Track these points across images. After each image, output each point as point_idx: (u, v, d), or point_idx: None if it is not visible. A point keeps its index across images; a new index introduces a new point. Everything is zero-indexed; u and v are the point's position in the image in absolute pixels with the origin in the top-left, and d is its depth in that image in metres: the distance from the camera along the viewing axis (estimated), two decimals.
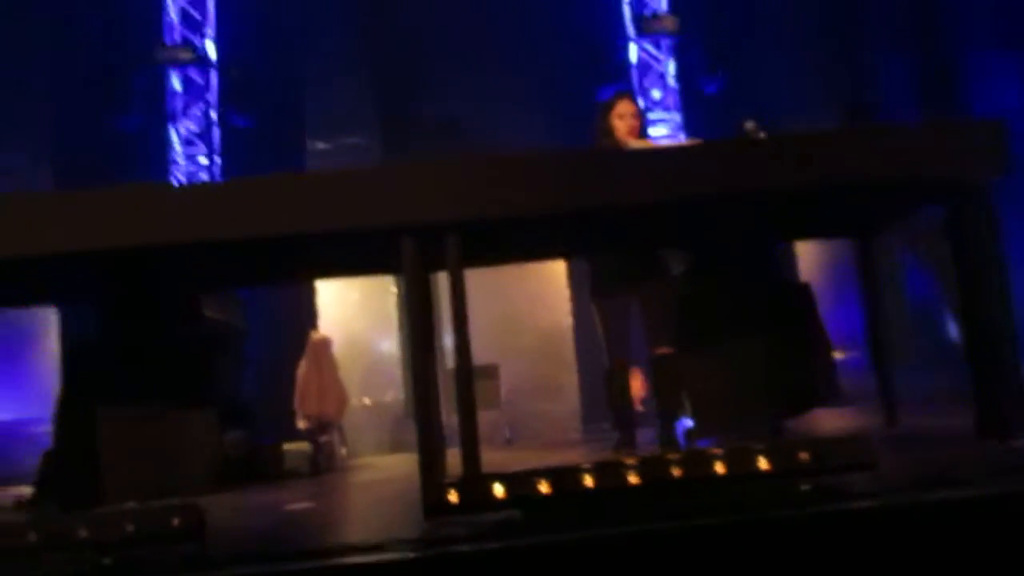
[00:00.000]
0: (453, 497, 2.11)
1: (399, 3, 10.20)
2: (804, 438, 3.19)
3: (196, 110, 9.88)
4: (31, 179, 8.87)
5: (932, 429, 3.73)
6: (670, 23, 9.81)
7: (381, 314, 9.80)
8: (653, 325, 4.19)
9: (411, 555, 1.93)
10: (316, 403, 7.36)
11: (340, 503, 3.84)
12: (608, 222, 3.16)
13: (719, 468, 2.09)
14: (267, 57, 9.81)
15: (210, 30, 9.93)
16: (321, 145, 10.27)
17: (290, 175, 4.05)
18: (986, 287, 2.95)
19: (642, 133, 4.35)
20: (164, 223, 2.79)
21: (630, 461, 2.12)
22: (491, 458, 2.96)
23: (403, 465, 5.59)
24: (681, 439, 4.10)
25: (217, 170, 9.79)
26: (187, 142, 9.84)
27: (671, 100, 9.96)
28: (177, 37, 9.82)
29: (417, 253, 2.78)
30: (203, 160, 9.79)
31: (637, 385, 5.51)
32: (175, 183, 9.41)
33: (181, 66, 9.81)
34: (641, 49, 10.06)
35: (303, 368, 7.48)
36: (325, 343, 7.69)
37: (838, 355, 4.14)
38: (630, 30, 10.05)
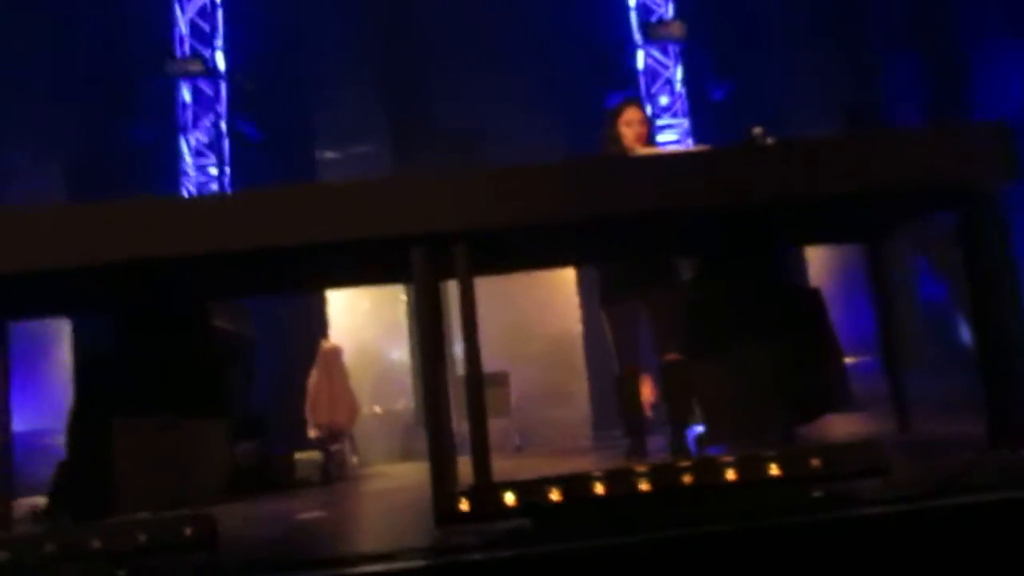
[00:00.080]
0: (464, 505, 2.11)
1: (407, 13, 10.25)
2: (815, 444, 3.19)
3: (206, 121, 9.94)
4: (47, 187, 8.93)
5: (944, 435, 3.71)
6: (677, 29, 9.82)
7: (391, 323, 9.82)
8: (662, 332, 4.19)
9: (423, 564, 1.93)
10: (327, 412, 7.38)
11: (352, 512, 3.85)
12: (616, 229, 3.16)
13: (730, 475, 2.08)
14: (276, 68, 9.87)
15: (219, 42, 10.00)
16: (331, 154, 10.31)
17: (300, 186, 4.07)
18: (998, 293, 2.94)
19: (650, 140, 4.36)
20: (175, 235, 2.81)
21: (641, 468, 2.12)
22: (502, 466, 2.96)
23: (414, 473, 5.60)
24: (692, 446, 4.10)
25: (227, 180, 9.85)
26: (197, 153, 9.90)
27: (679, 106, 9.96)
28: (187, 49, 9.89)
29: (427, 262, 2.79)
30: (213, 171, 9.85)
31: (647, 392, 5.50)
32: (186, 194, 9.47)
33: (191, 78, 9.87)
34: (648, 55, 10.08)
35: (314, 377, 7.51)
36: (336, 352, 7.72)
37: (849, 360, 4.12)
38: (637, 36, 10.06)
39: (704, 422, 3.96)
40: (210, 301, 4.23)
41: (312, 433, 7.37)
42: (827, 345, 3.80)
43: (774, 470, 2.08)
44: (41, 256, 2.79)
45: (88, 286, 3.27)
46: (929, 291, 8.43)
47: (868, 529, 1.89)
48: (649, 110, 9.46)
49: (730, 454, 2.17)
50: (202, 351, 3.97)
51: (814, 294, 3.95)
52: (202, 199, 4.83)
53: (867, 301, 4.08)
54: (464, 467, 2.97)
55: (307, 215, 2.82)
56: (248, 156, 9.88)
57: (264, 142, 9.95)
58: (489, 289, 3.39)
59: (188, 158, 9.84)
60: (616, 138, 4.24)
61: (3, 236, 2.81)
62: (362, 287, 7.90)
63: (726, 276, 3.81)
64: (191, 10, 9.96)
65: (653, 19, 10.00)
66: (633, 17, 10.07)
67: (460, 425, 3.71)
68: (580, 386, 9.54)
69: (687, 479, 2.08)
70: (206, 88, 9.95)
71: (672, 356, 4.14)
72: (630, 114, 4.27)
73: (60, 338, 8.69)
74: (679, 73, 9.97)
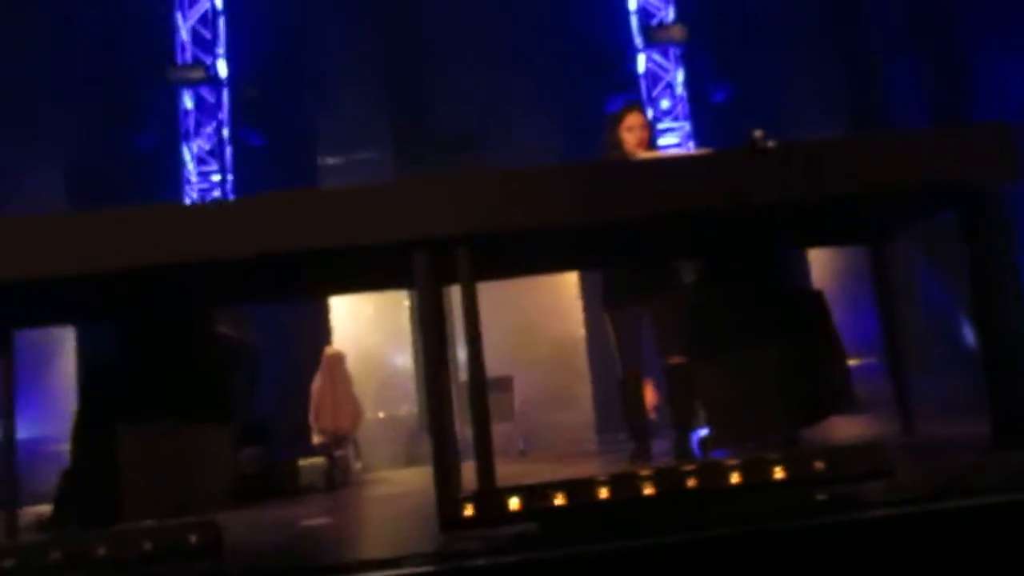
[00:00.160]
0: (469, 511, 2.11)
1: (409, 18, 10.27)
2: (820, 447, 3.18)
3: (208, 128, 9.96)
4: (50, 195, 8.95)
5: (948, 437, 3.70)
6: (678, 32, 9.83)
7: (395, 328, 9.82)
8: (666, 335, 4.19)
9: (428, 569, 1.93)
10: (331, 418, 7.39)
11: (356, 518, 3.85)
12: (619, 233, 3.16)
13: (734, 478, 2.08)
14: (278, 74, 9.89)
15: (221, 49, 10.02)
16: (333, 160, 10.33)
17: (302, 192, 4.07)
18: (1001, 294, 2.94)
19: (651, 144, 4.36)
20: (178, 242, 2.81)
21: (645, 472, 2.12)
22: (506, 470, 2.96)
23: (418, 479, 5.60)
24: (696, 449, 4.09)
25: (230, 187, 9.87)
26: (199, 160, 9.92)
27: (680, 109, 9.97)
28: (188, 56, 9.92)
29: (430, 267, 2.80)
30: (216, 178, 9.87)
31: (650, 395, 5.50)
32: (188, 201, 9.48)
33: (193, 85, 9.90)
34: (649, 59, 10.09)
35: (317, 383, 7.52)
36: (339, 358, 7.73)
37: (853, 362, 4.12)
38: (638, 40, 10.07)
39: (708, 425, 3.96)
40: (213, 308, 4.24)
41: (316, 439, 7.37)
42: (830, 347, 3.80)
43: (778, 473, 2.08)
44: (45, 264, 2.80)
45: (92, 294, 3.28)
46: (932, 292, 8.42)
47: (872, 531, 1.89)
48: (650, 114, 9.47)
49: (734, 457, 2.17)
50: (206, 358, 3.98)
51: (817, 296, 3.94)
52: (204, 206, 4.84)
53: (870, 303, 4.08)
54: (468, 472, 2.97)
55: (310, 221, 2.83)
56: (250, 163, 9.90)
57: (266, 148, 9.97)
58: (492, 293, 3.40)
59: (190, 165, 9.86)
60: (617, 143, 4.24)
61: (7, 245, 2.82)
62: (365, 293, 7.90)
63: (729, 279, 3.81)
64: (192, 17, 9.98)
65: (654, 23, 10.01)
66: (634, 21, 10.09)
67: (464, 430, 3.71)
68: (584, 390, 9.54)
69: (691, 482, 2.08)
70: (208, 95, 9.97)
71: (675, 359, 4.14)
72: (631, 119, 4.27)
73: (64, 346, 8.70)
74: (680, 76, 9.98)
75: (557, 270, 6.73)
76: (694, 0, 9.82)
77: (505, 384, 8.05)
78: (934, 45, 8.94)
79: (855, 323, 5.10)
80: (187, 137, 9.88)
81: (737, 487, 2.08)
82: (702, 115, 9.87)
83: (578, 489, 2.10)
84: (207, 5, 9.98)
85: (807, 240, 4.69)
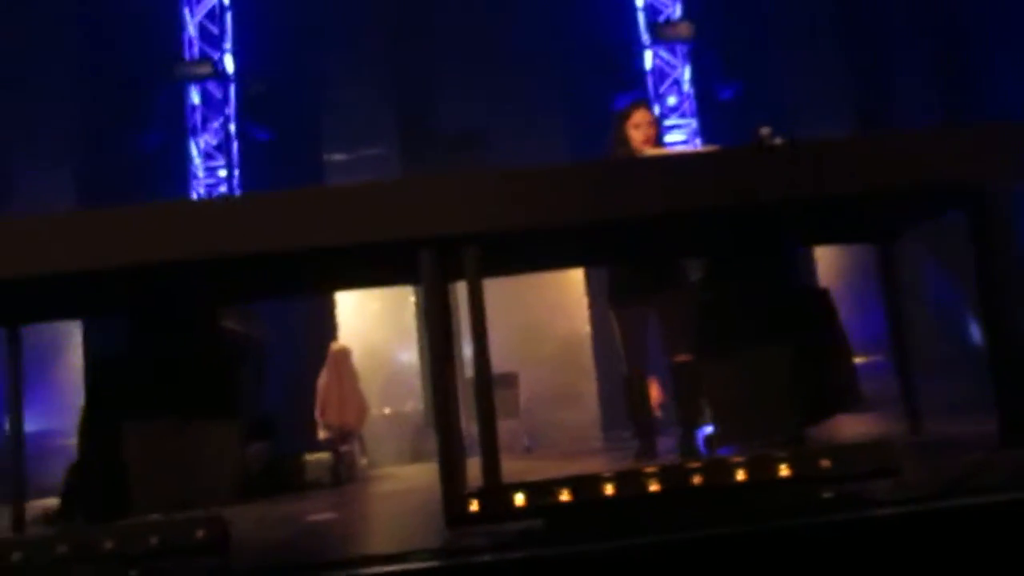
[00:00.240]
0: (474, 507, 2.12)
1: (415, 16, 10.26)
2: (826, 445, 3.18)
3: (215, 124, 9.98)
4: (56, 191, 8.97)
5: (956, 435, 3.70)
6: (685, 29, 9.81)
7: (401, 324, 9.83)
8: (672, 332, 4.19)
9: (433, 565, 1.93)
10: (336, 413, 7.41)
11: (362, 513, 3.86)
12: (625, 231, 3.16)
13: (740, 476, 2.08)
14: (284, 70, 9.90)
15: (228, 44, 10.03)
16: (339, 157, 10.34)
17: (308, 189, 4.08)
18: (1008, 293, 2.93)
19: (658, 140, 4.36)
20: (184, 239, 2.82)
21: (651, 469, 2.12)
22: (511, 467, 2.96)
23: (423, 475, 5.61)
24: (702, 447, 4.09)
25: (237, 182, 9.89)
26: (206, 155, 9.94)
27: (687, 106, 9.95)
28: (195, 52, 9.93)
29: (436, 264, 2.80)
30: (222, 173, 9.88)
31: (655, 393, 5.50)
32: (195, 196, 9.51)
33: (200, 80, 9.91)
34: (656, 56, 10.07)
35: (323, 379, 7.54)
36: (345, 354, 7.75)
37: (860, 360, 4.11)
38: (645, 37, 10.06)
39: (714, 423, 3.95)
40: (220, 304, 4.25)
41: (322, 434, 7.39)
42: (837, 345, 3.79)
43: (784, 471, 2.07)
44: (52, 261, 2.81)
45: (99, 290, 3.29)
46: (939, 291, 8.40)
47: (879, 530, 1.89)
48: (657, 111, 9.45)
49: (740, 455, 2.17)
50: (212, 353, 3.99)
51: (824, 294, 3.94)
52: (211, 202, 4.85)
53: (877, 301, 4.07)
54: (473, 468, 2.98)
55: (317, 218, 2.83)
56: (257, 158, 9.92)
57: (272, 144, 9.99)
58: (498, 290, 3.40)
59: (197, 160, 9.88)
60: (624, 140, 4.24)
61: (15, 241, 2.83)
62: (371, 289, 7.91)
63: (735, 277, 3.80)
64: (200, 13, 9.99)
65: (661, 19, 9.99)
66: (641, 18, 10.07)
67: (469, 426, 3.72)
68: (589, 387, 9.54)
69: (697, 480, 2.08)
70: (215, 91, 9.99)
71: (681, 357, 4.14)
72: (638, 116, 4.27)
73: (72, 341, 8.73)
74: (687, 73, 9.96)
75: (563, 267, 6.73)
76: None
77: (510, 381, 8.05)
78: (943, 44, 8.91)
79: (862, 321, 5.09)
80: (194, 132, 9.90)
81: (743, 485, 2.08)
82: (709, 112, 9.86)
83: (583, 486, 2.10)
84: (214, 1, 9.99)
85: (814, 238, 4.69)
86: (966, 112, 8.51)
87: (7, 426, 3.56)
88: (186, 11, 9.94)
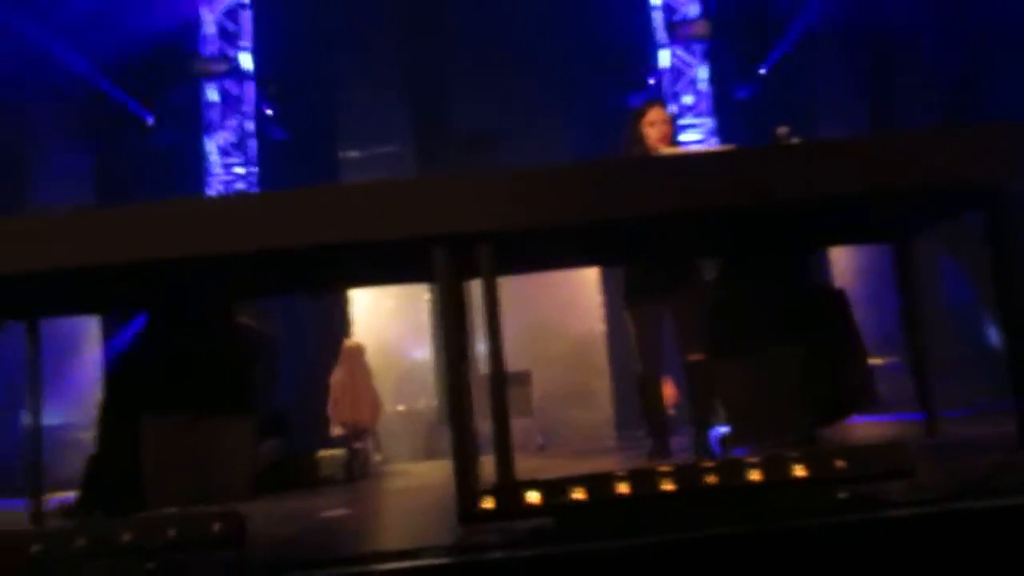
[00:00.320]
0: (488, 504, 2.12)
1: (430, 15, 10.29)
2: (840, 445, 3.17)
3: (232, 121, 10.03)
4: (75, 187, 9.05)
5: (972, 437, 3.67)
6: (702, 28, 9.78)
7: (414, 321, 9.85)
8: (686, 332, 4.18)
9: (446, 561, 1.94)
10: (350, 410, 7.44)
11: (375, 510, 3.87)
12: (640, 230, 3.16)
13: (754, 476, 2.08)
14: (301, 68, 9.94)
15: (246, 42, 10.08)
16: (354, 154, 10.37)
17: (324, 186, 4.10)
18: None
19: (673, 139, 4.35)
20: (201, 235, 2.84)
21: (664, 468, 2.12)
22: (524, 465, 2.97)
23: (437, 472, 5.62)
24: (716, 446, 4.08)
25: (253, 179, 9.94)
26: (224, 153, 9.99)
27: (703, 105, 9.92)
28: (213, 50, 9.99)
29: (450, 262, 2.80)
30: (239, 170, 9.94)
31: (669, 392, 5.49)
32: (212, 193, 9.57)
33: (217, 78, 9.97)
34: (673, 55, 10.04)
35: (337, 375, 7.57)
36: (359, 350, 7.78)
37: (875, 361, 4.09)
38: (661, 36, 10.03)
39: (728, 422, 3.94)
40: (235, 300, 4.28)
41: (335, 431, 7.42)
42: (851, 346, 3.78)
43: (798, 471, 2.07)
44: (71, 256, 2.83)
45: (117, 285, 3.32)
46: (956, 291, 8.33)
47: (893, 531, 1.88)
48: (673, 109, 9.43)
49: (754, 455, 2.17)
50: (228, 349, 4.02)
51: (839, 294, 3.92)
52: (227, 200, 4.88)
53: (893, 302, 4.05)
54: (487, 466, 2.98)
55: (331, 215, 2.84)
56: (273, 156, 9.98)
57: (289, 141, 10.04)
58: (512, 289, 3.40)
59: (214, 157, 9.94)
60: (639, 139, 4.23)
61: (34, 236, 2.86)
62: (385, 286, 7.94)
63: (750, 276, 3.79)
64: (217, 10, 10.05)
65: (677, 18, 9.97)
66: (658, 16, 10.05)
67: (483, 424, 3.72)
68: (603, 386, 9.53)
69: (710, 480, 2.08)
70: (232, 88, 10.04)
71: (696, 356, 4.13)
72: (653, 114, 4.26)
73: (90, 336, 8.81)
74: (703, 72, 9.93)
75: (577, 266, 6.73)
76: None
77: (524, 379, 8.06)
78: (957, 43, 8.83)
79: (878, 322, 5.07)
80: (211, 130, 9.96)
81: (757, 485, 2.07)
82: (725, 111, 9.82)
83: (597, 484, 2.10)
84: None
85: (829, 238, 4.66)
86: (983, 113, 8.43)
87: (26, 420, 3.60)
88: (204, 9, 9.99)
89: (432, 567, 1.93)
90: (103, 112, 9.46)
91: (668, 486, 2.08)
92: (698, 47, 9.95)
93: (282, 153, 9.96)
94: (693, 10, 9.90)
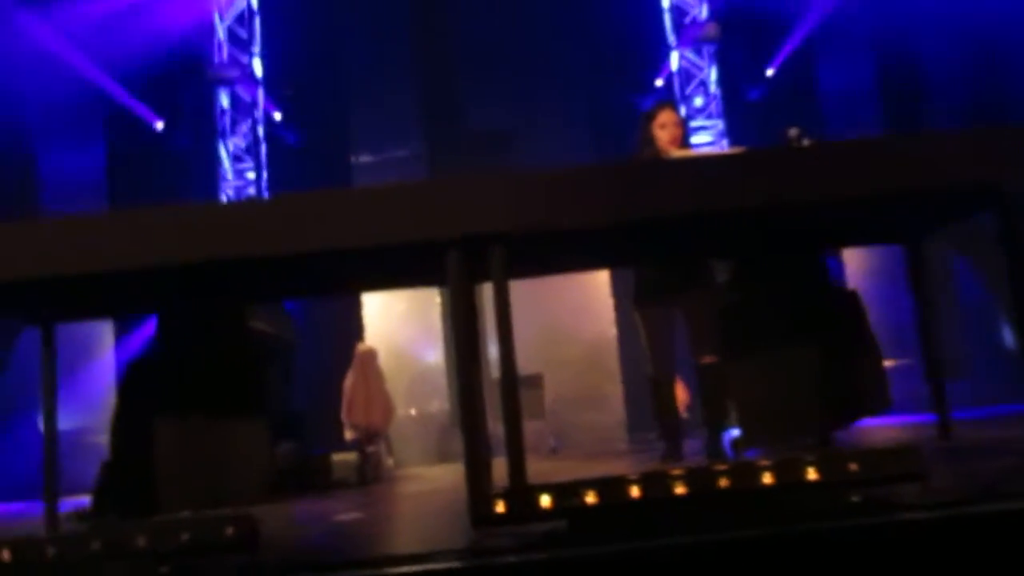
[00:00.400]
0: (500, 507, 2.12)
1: (444, 18, 10.32)
2: (853, 448, 3.15)
3: (244, 126, 10.08)
4: (89, 192, 9.11)
5: (986, 440, 3.65)
6: (712, 30, 9.77)
7: (427, 325, 9.88)
8: (698, 334, 4.17)
9: (458, 565, 1.94)
10: (363, 414, 7.46)
11: (388, 513, 3.88)
12: (652, 232, 3.16)
13: (767, 479, 2.07)
14: (312, 73, 9.98)
15: (257, 48, 10.14)
16: (367, 158, 10.41)
17: (336, 191, 4.12)
18: None
19: (684, 141, 4.34)
20: (215, 239, 2.86)
21: (677, 471, 2.12)
22: (537, 468, 2.97)
23: (449, 475, 5.63)
24: (728, 449, 4.07)
25: (265, 184, 9.99)
26: (235, 158, 10.04)
27: (714, 107, 9.91)
28: (225, 56, 10.05)
29: (462, 265, 2.81)
30: (251, 175, 9.98)
31: (681, 394, 5.48)
32: (224, 198, 9.61)
33: (229, 84, 10.03)
34: (683, 57, 10.03)
35: (350, 379, 7.59)
36: (371, 354, 7.80)
37: (889, 363, 4.07)
38: (671, 38, 10.03)
39: (740, 425, 3.93)
40: (249, 304, 4.29)
41: (348, 435, 7.44)
42: (865, 348, 3.76)
43: (811, 474, 2.06)
44: (85, 261, 2.86)
45: (131, 290, 3.34)
46: (970, 293, 8.29)
47: (906, 535, 1.87)
48: (683, 111, 9.42)
49: (767, 458, 2.16)
50: (242, 353, 4.03)
51: (852, 296, 3.90)
52: (240, 204, 4.90)
53: (907, 304, 4.03)
54: (499, 469, 2.98)
55: (343, 219, 2.85)
56: (285, 160, 10.02)
57: (301, 146, 10.08)
58: (524, 292, 3.41)
59: (226, 162, 9.99)
60: (650, 140, 4.23)
61: (49, 242, 2.88)
62: (398, 290, 7.96)
63: (762, 278, 3.78)
64: (229, 17, 10.10)
65: (687, 21, 9.96)
66: (667, 19, 10.04)
67: (495, 427, 3.73)
68: (614, 389, 9.53)
69: (723, 482, 2.08)
70: (244, 94, 10.09)
71: (708, 358, 4.13)
72: (664, 116, 4.26)
73: (104, 340, 8.87)
74: (714, 74, 9.92)
75: (589, 268, 6.72)
76: None
77: (536, 382, 8.07)
78: (972, 42, 8.78)
79: (892, 324, 5.04)
80: (223, 135, 10.01)
81: (770, 488, 2.07)
82: (736, 113, 9.80)
83: (609, 487, 2.10)
84: (243, 5, 10.10)
85: (842, 239, 4.64)
86: (996, 114, 8.38)
87: (41, 424, 3.62)
88: (216, 15, 10.05)
89: (445, 571, 1.94)
90: (116, 118, 9.52)
91: (680, 489, 2.07)
92: (708, 49, 9.94)
93: (294, 158, 10.00)
94: (702, 12, 9.89)
